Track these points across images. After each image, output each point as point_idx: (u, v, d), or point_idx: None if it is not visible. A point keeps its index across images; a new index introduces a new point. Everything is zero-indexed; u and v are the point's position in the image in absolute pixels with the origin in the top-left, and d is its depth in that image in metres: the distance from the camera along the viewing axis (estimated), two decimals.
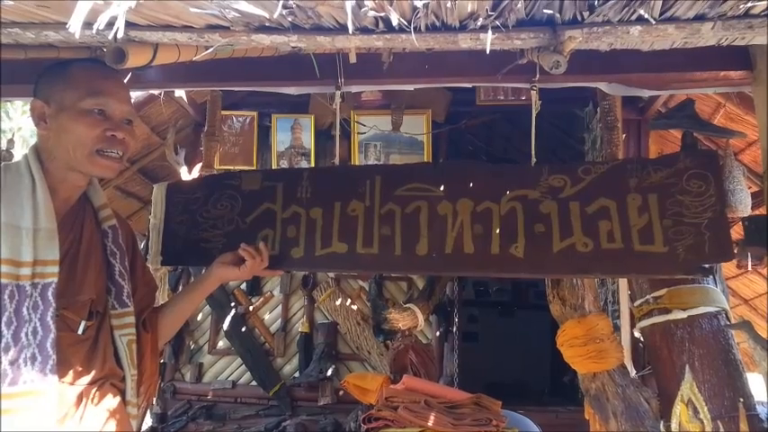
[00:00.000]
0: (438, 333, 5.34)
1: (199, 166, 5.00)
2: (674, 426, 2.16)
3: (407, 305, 4.24)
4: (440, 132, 5.28)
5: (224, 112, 5.06)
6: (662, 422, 2.28)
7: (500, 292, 9.10)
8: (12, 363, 1.47)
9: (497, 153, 6.59)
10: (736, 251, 2.10)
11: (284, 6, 1.23)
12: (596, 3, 1.28)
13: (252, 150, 5.41)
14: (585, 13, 1.33)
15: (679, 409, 2.15)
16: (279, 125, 5.37)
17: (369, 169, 2.67)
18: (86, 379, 1.64)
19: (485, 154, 6.49)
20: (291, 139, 5.39)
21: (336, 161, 2.59)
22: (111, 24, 1.21)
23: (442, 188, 2.23)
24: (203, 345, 5.62)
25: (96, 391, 1.66)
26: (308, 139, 5.36)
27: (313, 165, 5.27)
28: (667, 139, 4.41)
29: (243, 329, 5.53)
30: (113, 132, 1.65)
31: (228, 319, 5.51)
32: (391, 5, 1.25)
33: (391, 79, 2.36)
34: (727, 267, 4.14)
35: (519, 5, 1.27)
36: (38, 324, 1.52)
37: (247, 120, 5.43)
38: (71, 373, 1.60)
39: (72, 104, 1.62)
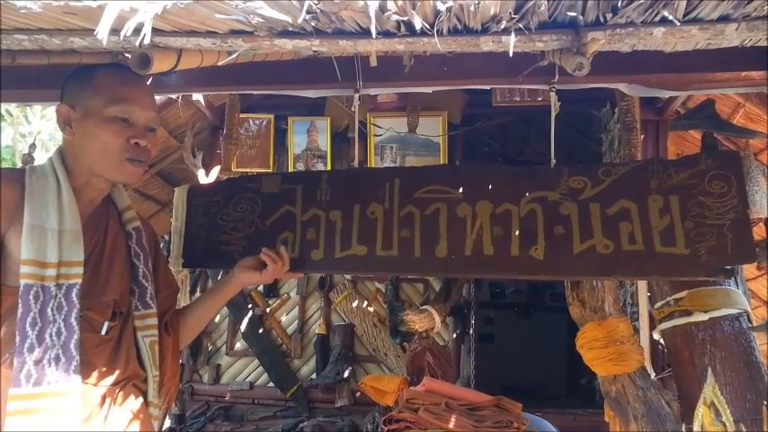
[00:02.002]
0: (455, 335, 5.33)
1: (216, 168, 5.03)
2: (696, 428, 2.15)
3: (424, 307, 4.24)
4: (456, 134, 5.27)
5: (241, 115, 5.09)
6: (683, 425, 2.27)
7: (516, 293, 9.06)
8: (36, 363, 1.49)
9: (513, 154, 6.57)
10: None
11: (308, 11, 1.24)
12: (619, 4, 1.28)
13: (268, 153, 5.42)
14: (608, 15, 1.32)
15: (701, 411, 2.13)
16: (295, 127, 5.38)
17: (388, 172, 2.67)
18: (110, 380, 1.65)
19: (500, 155, 6.47)
20: (307, 141, 5.40)
21: (354, 163, 2.61)
22: (136, 30, 1.22)
23: (460, 190, 2.23)
24: (221, 346, 5.65)
25: (119, 391, 1.67)
26: (325, 142, 5.37)
27: (329, 167, 5.27)
28: (686, 140, 4.38)
29: (260, 331, 5.55)
30: (137, 140, 1.67)
31: (246, 320, 5.53)
32: (414, 9, 1.26)
33: (409, 82, 2.36)
34: (746, 269, 4.10)
35: (542, 8, 1.27)
36: (62, 325, 1.53)
37: (264, 122, 5.45)
38: (95, 373, 1.62)
39: (97, 111, 1.64)
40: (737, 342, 2.33)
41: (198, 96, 4.76)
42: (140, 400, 1.74)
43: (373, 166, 5.05)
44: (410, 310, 4.12)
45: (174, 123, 5.05)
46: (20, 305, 1.49)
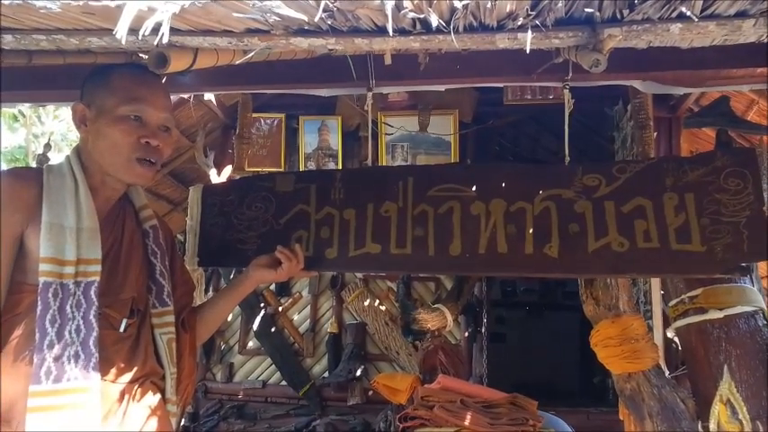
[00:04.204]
0: (466, 333, 5.33)
1: (228, 168, 5.06)
2: (712, 426, 2.14)
3: (436, 305, 4.24)
4: (467, 132, 5.27)
5: (252, 115, 5.11)
6: (699, 423, 2.26)
7: (528, 292, 9.04)
8: (56, 360, 1.50)
9: (524, 152, 6.57)
10: None
11: (324, 10, 1.24)
12: (636, 0, 1.27)
13: (280, 152, 5.44)
14: (625, 12, 1.32)
15: (718, 409, 2.12)
16: (306, 127, 5.40)
17: (401, 170, 2.67)
18: (128, 377, 1.66)
19: (511, 154, 6.47)
20: (319, 140, 5.42)
21: (369, 162, 2.63)
22: (153, 30, 1.23)
23: (474, 188, 2.22)
24: (234, 345, 5.68)
25: (138, 388, 1.68)
26: (336, 141, 5.39)
27: (340, 166, 5.29)
28: (699, 137, 4.36)
29: (272, 330, 5.58)
30: (148, 140, 1.67)
31: (258, 319, 5.56)
32: (430, 7, 1.26)
33: (422, 80, 2.35)
34: (760, 267, 4.07)
35: (559, 5, 1.27)
36: (81, 322, 1.54)
37: (275, 122, 5.47)
38: (113, 370, 1.63)
39: (110, 110, 1.64)
40: (753, 339, 2.31)
41: (209, 96, 4.79)
42: (158, 397, 1.74)
43: (385, 164, 5.06)
44: (422, 309, 4.13)
45: (185, 123, 5.08)
46: (39, 303, 1.50)
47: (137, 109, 1.66)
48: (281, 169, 5.34)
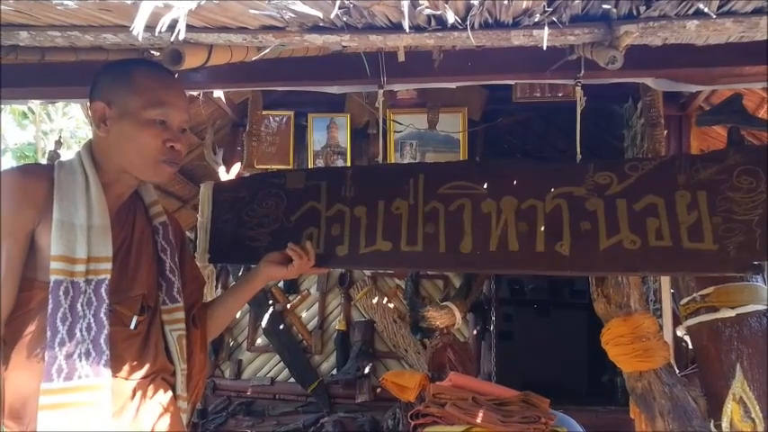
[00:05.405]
0: (475, 332, 5.33)
1: (237, 165, 5.06)
2: (724, 425, 2.13)
3: (444, 303, 4.25)
4: (476, 130, 5.26)
5: (262, 112, 5.11)
6: (711, 421, 2.25)
7: (536, 290, 9.01)
8: (67, 358, 1.50)
9: (533, 151, 6.54)
10: None
11: (340, 7, 1.24)
12: None
13: (288, 150, 5.44)
14: (642, 8, 1.32)
15: (731, 407, 2.12)
16: (315, 124, 5.40)
17: (412, 167, 2.67)
18: (140, 373, 1.66)
19: (520, 151, 6.45)
20: (327, 138, 5.42)
21: (379, 159, 2.64)
22: (168, 27, 1.23)
23: (485, 186, 2.22)
24: (242, 342, 5.70)
25: (149, 385, 1.68)
26: (344, 138, 5.38)
27: (349, 164, 5.29)
28: (710, 136, 4.34)
29: (281, 327, 5.59)
30: (173, 143, 1.67)
31: (266, 316, 5.57)
32: (446, 3, 1.25)
33: (434, 77, 2.35)
34: None
35: (575, 2, 1.27)
36: (92, 320, 1.54)
37: (284, 119, 5.47)
38: (125, 367, 1.63)
39: (135, 112, 1.63)
40: (765, 338, 2.31)
41: (218, 93, 4.79)
42: (170, 393, 1.74)
43: (393, 162, 5.06)
44: (431, 307, 4.13)
45: (194, 120, 5.08)
46: (50, 300, 1.50)
47: (163, 113, 1.65)
48: (290, 166, 5.34)
